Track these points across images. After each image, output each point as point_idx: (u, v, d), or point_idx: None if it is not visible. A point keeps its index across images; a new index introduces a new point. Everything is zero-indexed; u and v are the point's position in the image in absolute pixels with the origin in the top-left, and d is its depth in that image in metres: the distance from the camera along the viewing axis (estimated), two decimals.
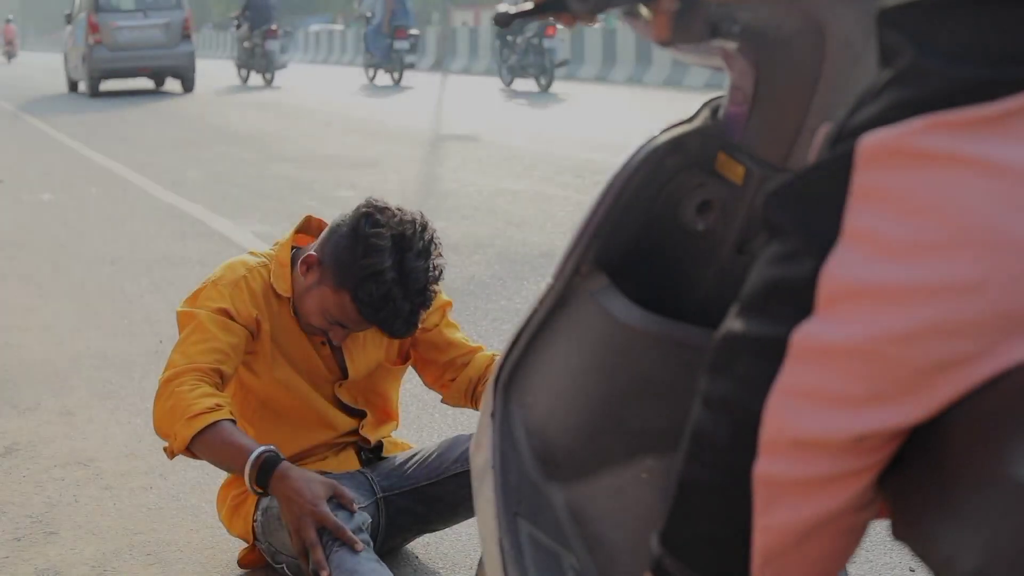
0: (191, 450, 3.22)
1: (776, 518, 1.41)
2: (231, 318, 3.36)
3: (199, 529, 3.96)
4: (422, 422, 4.89)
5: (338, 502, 3.20)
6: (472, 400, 3.64)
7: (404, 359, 3.70)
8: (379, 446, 3.74)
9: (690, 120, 1.93)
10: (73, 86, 28.28)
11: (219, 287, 3.40)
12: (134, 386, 5.49)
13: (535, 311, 2.07)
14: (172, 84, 28.16)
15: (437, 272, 3.31)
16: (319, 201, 10.75)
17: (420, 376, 3.77)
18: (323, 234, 3.41)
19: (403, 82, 29.87)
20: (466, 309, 6.67)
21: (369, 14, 30.41)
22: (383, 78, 31.02)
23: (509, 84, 26.47)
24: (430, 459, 3.62)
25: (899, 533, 1.38)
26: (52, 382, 5.65)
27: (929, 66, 1.24)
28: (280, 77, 31.11)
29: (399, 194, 11.06)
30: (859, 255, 1.28)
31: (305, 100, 24.71)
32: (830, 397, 1.32)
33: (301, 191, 11.41)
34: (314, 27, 59.51)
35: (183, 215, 10.21)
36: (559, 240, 8.50)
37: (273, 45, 29.01)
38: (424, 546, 3.82)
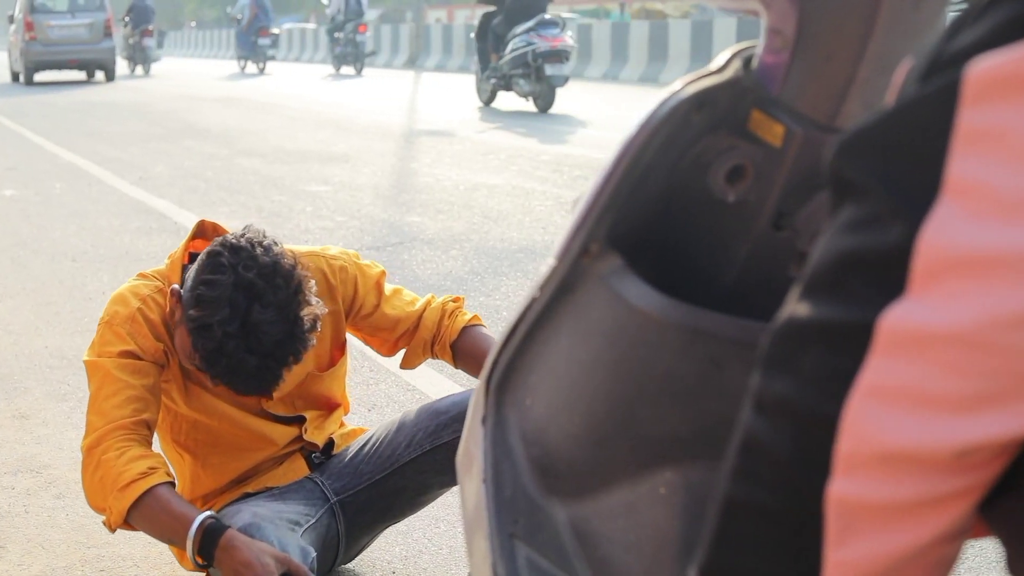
0: (129, 523, 2.93)
1: (854, 551, 1.11)
2: (138, 358, 3.05)
3: (157, 542, 3.66)
4: None
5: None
6: (433, 354, 3.40)
7: (341, 350, 3.40)
8: (329, 444, 3.44)
9: (719, 71, 1.63)
10: (15, 77, 32.02)
11: (114, 327, 3.07)
12: None
13: (534, 299, 1.77)
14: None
15: (308, 322, 2.92)
16: (289, 195, 10.50)
17: (372, 348, 3.49)
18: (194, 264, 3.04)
19: (267, 71, 35.85)
20: None
21: (239, 16, 36.40)
22: (251, 67, 37.13)
23: (338, 70, 33.36)
24: (381, 448, 3.32)
25: (1018, 571, 1.09)
26: (5, 383, 5.39)
27: None
28: (156, 67, 37.90)
29: (372, 188, 10.83)
30: (966, 215, 0.99)
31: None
32: (928, 398, 1.03)
33: (270, 186, 11.15)
34: (287, 25, 59.39)
35: (149, 210, 9.94)
36: (538, 235, 8.31)
37: (149, 42, 35.30)
38: (403, 559, 3.56)
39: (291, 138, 15.66)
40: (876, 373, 1.05)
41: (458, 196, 10.26)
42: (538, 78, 17.73)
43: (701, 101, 1.61)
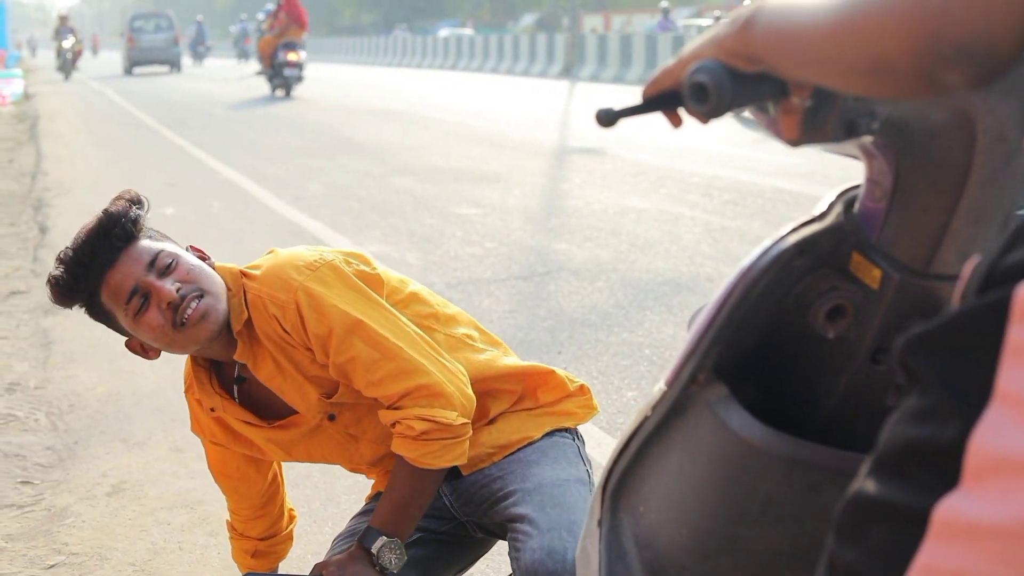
0: None
1: None
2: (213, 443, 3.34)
3: None
4: None
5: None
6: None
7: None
8: None
9: (821, 217, 1.75)
10: (125, 70, 49.55)
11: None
12: None
13: (647, 417, 1.90)
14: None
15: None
16: (440, 219, 10.64)
17: None
18: None
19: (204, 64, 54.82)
20: (586, 342, 6.53)
21: (191, 35, 57.33)
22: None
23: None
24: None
25: None
26: (163, 414, 5.58)
27: None
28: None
29: (522, 211, 10.95)
30: (1014, 422, 1.09)
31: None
32: None
33: (422, 208, 11.30)
34: (443, 32, 59.80)
35: (302, 232, 10.11)
36: (684, 266, 8.37)
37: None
38: None
39: (445, 155, 15.81)
40: (930, 556, 1.16)
41: (606, 221, 10.32)
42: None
43: (802, 248, 1.73)
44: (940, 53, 1.09)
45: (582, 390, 3.23)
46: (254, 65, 39.01)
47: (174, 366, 6.30)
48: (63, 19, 43.00)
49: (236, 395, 3.13)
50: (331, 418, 3.03)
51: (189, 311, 2.82)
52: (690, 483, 1.87)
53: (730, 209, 10.74)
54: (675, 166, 13.75)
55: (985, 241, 1.67)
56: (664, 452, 1.90)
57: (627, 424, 1.99)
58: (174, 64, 49.69)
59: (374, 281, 2.97)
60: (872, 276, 1.71)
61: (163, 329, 2.84)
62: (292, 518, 3.44)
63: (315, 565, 2.99)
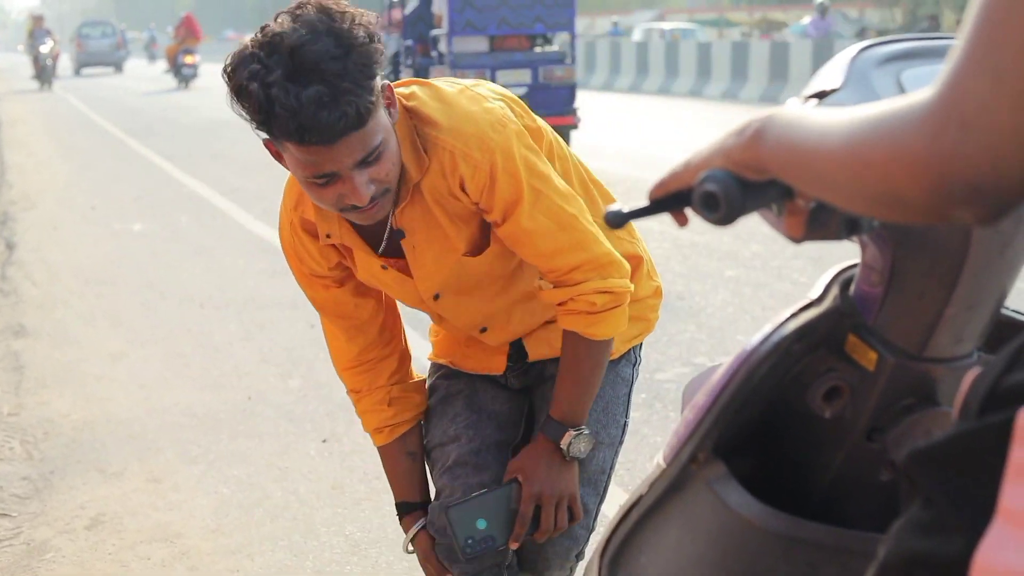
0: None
1: None
2: (314, 275, 2.89)
3: None
4: None
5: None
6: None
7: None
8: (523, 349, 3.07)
9: (819, 301, 1.79)
10: (74, 71, 55.63)
11: (284, 251, 2.91)
12: (221, 449, 5.39)
13: (645, 493, 1.94)
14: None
15: (356, 41, 2.33)
16: None
17: None
18: None
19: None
20: None
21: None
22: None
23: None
24: None
25: None
26: (139, 442, 5.57)
27: None
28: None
29: None
30: (1018, 540, 1.13)
31: None
32: None
33: None
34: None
35: (272, 249, 10.03)
36: None
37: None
38: None
39: None
40: None
41: None
42: None
43: (802, 334, 1.77)
44: (951, 192, 1.11)
45: (657, 292, 3.10)
46: (163, 65, 46.42)
47: (148, 391, 6.34)
48: (38, 20, 39.39)
49: (383, 248, 2.77)
50: (436, 297, 2.86)
51: (365, 209, 2.51)
52: (689, 558, 1.91)
53: (699, 224, 10.67)
54: (643, 176, 13.69)
55: (980, 324, 1.71)
56: (662, 525, 1.94)
57: (626, 498, 2.02)
58: (117, 66, 56.01)
59: (536, 136, 2.76)
60: (868, 358, 1.74)
61: (329, 205, 2.51)
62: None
63: (509, 467, 2.89)
